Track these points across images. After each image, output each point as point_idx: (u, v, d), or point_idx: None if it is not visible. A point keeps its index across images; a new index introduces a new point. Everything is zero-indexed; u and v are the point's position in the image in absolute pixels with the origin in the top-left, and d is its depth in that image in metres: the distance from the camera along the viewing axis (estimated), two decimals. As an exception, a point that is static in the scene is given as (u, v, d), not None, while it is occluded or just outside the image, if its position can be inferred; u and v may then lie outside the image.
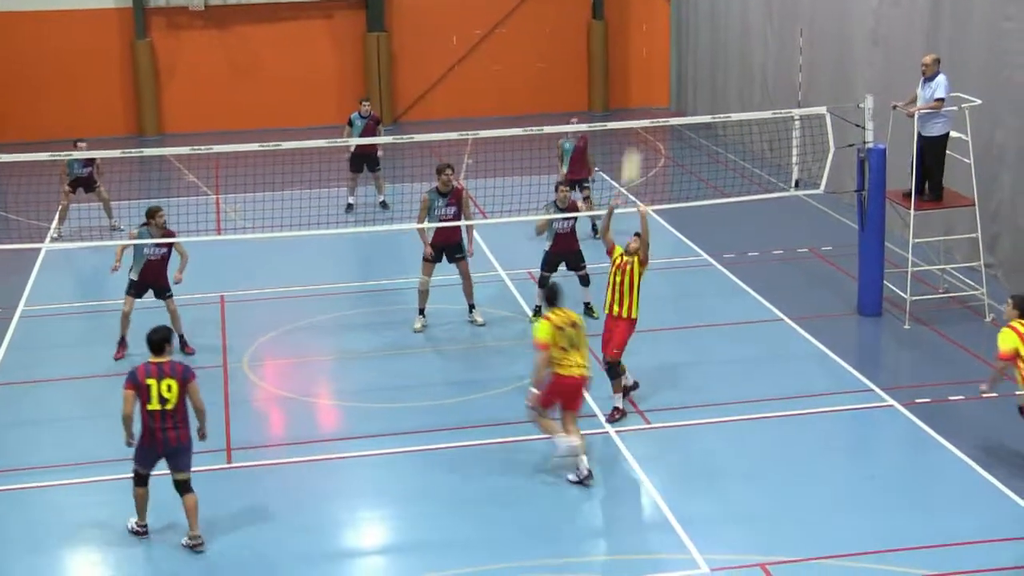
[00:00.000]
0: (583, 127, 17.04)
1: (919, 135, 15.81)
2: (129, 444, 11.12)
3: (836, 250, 18.73)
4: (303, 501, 11.94)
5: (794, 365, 14.83)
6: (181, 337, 15.38)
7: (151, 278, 15.26)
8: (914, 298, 15.93)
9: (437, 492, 12.10)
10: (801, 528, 11.15)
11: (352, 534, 11.64)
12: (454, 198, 15.73)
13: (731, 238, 19.48)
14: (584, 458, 11.99)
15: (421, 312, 16.01)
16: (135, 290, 15.29)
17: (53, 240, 19.95)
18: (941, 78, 15.62)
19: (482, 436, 13.08)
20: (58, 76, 28.76)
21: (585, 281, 16.17)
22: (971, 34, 17.72)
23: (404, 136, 16.42)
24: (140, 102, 29.20)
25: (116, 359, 15.19)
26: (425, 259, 15.88)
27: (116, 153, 16.30)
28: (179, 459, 11.01)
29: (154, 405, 10.80)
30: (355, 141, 20.42)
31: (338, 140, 20.44)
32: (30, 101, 28.50)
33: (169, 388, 10.81)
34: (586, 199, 19.08)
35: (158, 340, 10.99)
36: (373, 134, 21.21)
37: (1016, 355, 11.73)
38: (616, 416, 13.27)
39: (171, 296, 15.34)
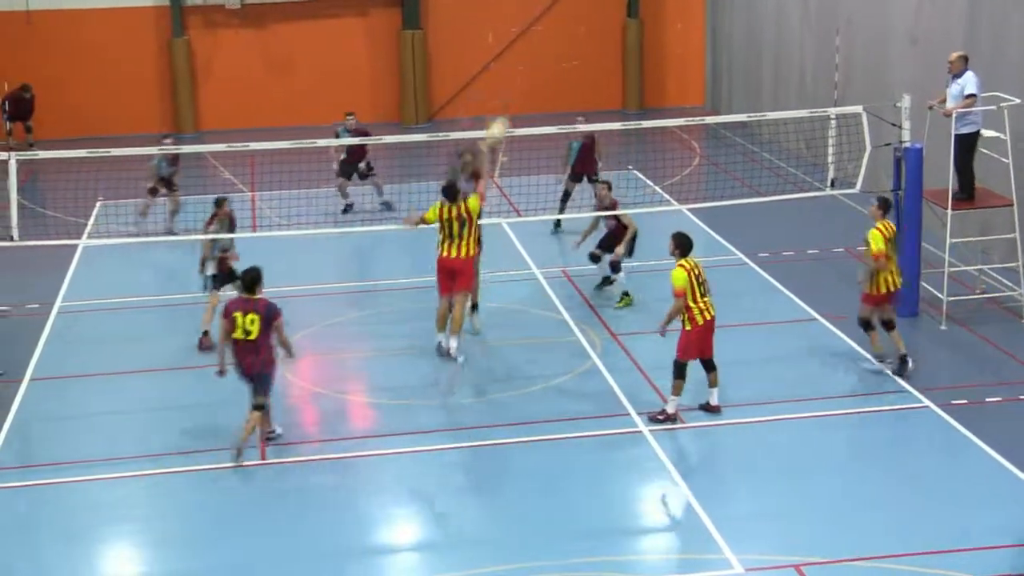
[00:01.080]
0: (595, 127, 18.08)
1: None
2: (220, 373, 12.65)
3: (872, 250, 18.61)
4: (335, 497, 11.98)
5: (829, 365, 14.76)
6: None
7: (225, 268, 15.44)
8: (951, 298, 15.82)
9: (469, 490, 12.13)
10: (835, 529, 11.10)
11: (384, 530, 11.66)
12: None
13: (766, 237, 19.41)
14: (454, 340, 14.37)
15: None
16: (218, 284, 15.39)
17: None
18: (969, 75, 15.51)
19: (514, 434, 13.09)
20: (96, 74, 28.96)
21: (614, 268, 16.45)
22: (1010, 33, 17.58)
23: (439, 133, 16.45)
24: (177, 99, 29.37)
25: (203, 350, 15.29)
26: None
27: (153, 150, 16.43)
28: (257, 384, 12.46)
29: (238, 335, 12.34)
30: (374, 141, 20.11)
31: (369, 139, 20.47)
32: (68, 98, 28.71)
33: (252, 322, 12.28)
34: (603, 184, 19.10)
35: (249, 280, 12.50)
36: (363, 148, 21.06)
37: (879, 252, 13.80)
38: (659, 417, 13.20)
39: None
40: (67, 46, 28.77)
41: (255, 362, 12.37)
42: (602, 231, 16.93)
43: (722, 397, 13.60)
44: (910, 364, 14.12)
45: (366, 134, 21.33)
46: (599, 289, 17.11)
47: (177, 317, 16.82)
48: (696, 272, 13.02)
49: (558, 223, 19.86)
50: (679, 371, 13.11)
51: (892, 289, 14.10)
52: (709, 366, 13.31)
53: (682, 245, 13.17)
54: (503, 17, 30.21)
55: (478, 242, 14.82)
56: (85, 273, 18.98)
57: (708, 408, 13.36)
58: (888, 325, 14.21)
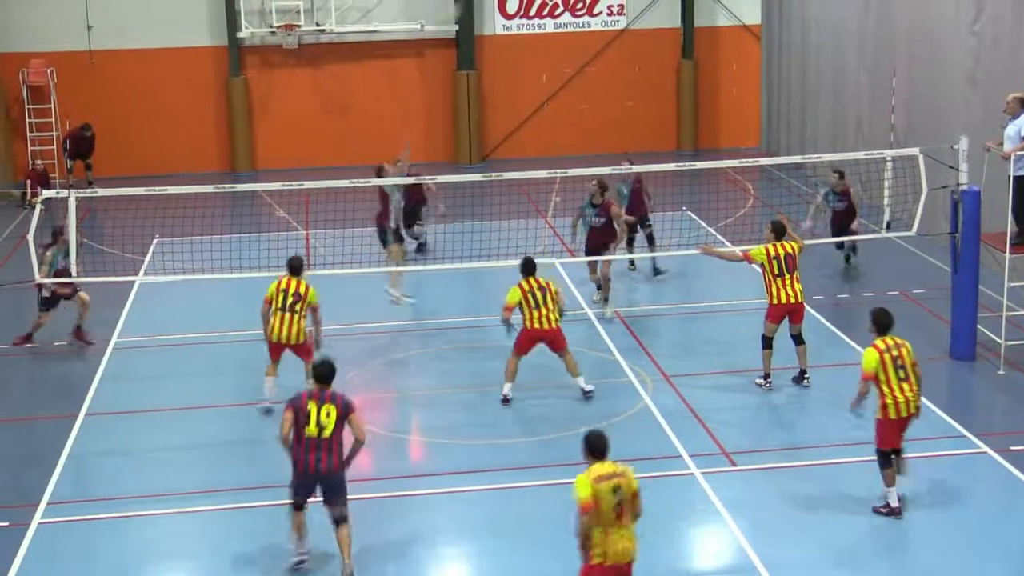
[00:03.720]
0: (647, 168, 18.66)
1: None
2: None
3: (928, 293, 18.46)
4: (391, 537, 11.96)
5: (885, 409, 14.58)
6: (79, 328, 17.22)
7: (57, 296, 17.15)
8: (1009, 343, 15.62)
9: (519, 530, 12.06)
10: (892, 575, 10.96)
11: (433, 570, 11.62)
12: (604, 209, 17.61)
13: (820, 280, 19.28)
14: (581, 380, 14.85)
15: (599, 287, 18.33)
16: (48, 307, 17.11)
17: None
18: None
19: (565, 475, 12.98)
20: (155, 113, 29.39)
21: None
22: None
23: (493, 174, 16.51)
24: (234, 138, 29.72)
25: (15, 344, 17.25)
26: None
27: (210, 188, 16.60)
28: (332, 491, 10.98)
29: (311, 431, 10.78)
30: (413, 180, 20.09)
31: (425, 178, 20.54)
32: (127, 137, 29.14)
33: (328, 414, 10.79)
34: (649, 237, 19.70)
35: (326, 372, 11.00)
36: (419, 188, 20.65)
37: (756, 261, 14.86)
38: (882, 511, 11.91)
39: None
40: (127, 86, 29.24)
41: (329, 464, 10.83)
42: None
43: (775, 440, 13.47)
44: (806, 380, 15.07)
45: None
46: (848, 264, 19.69)
47: (231, 354, 16.94)
48: (895, 354, 11.77)
49: (632, 262, 20.17)
50: (883, 460, 11.94)
51: (791, 301, 14.78)
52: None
53: (879, 323, 11.94)
54: (557, 58, 30.37)
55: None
56: (141, 309, 19.16)
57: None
58: (797, 340, 15.07)
